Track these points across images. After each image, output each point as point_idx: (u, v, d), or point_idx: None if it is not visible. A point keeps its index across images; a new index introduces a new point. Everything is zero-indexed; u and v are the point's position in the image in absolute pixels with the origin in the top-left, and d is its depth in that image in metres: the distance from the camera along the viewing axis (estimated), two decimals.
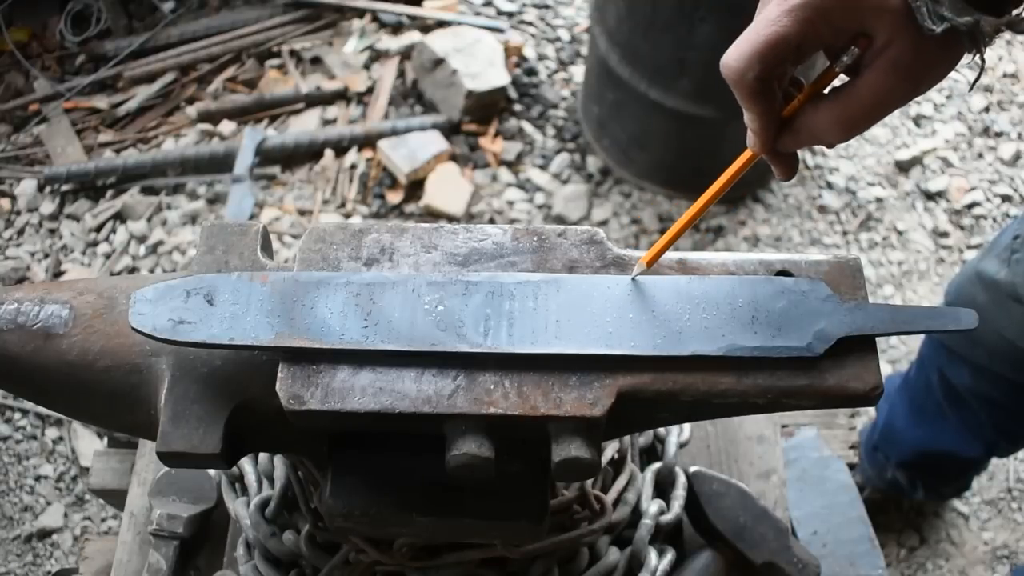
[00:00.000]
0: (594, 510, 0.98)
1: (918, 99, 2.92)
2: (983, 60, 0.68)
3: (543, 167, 2.70)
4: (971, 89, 0.84)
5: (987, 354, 1.59)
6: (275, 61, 2.95)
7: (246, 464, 1.10)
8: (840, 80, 0.72)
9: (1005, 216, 2.70)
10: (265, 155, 2.68)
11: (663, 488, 1.11)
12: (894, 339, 2.43)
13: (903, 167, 2.78)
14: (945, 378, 1.74)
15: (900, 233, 2.66)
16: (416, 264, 0.78)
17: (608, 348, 0.72)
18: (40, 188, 2.68)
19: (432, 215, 2.58)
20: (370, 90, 2.86)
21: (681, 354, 0.72)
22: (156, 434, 0.74)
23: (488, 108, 2.75)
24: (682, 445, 1.16)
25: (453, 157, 2.68)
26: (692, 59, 2.22)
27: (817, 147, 2.77)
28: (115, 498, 1.34)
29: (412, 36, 2.93)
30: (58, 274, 2.53)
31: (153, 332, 0.71)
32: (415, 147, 2.63)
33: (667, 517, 1.06)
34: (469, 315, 0.73)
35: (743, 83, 0.69)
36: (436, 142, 2.65)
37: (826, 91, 0.71)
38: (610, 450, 1.06)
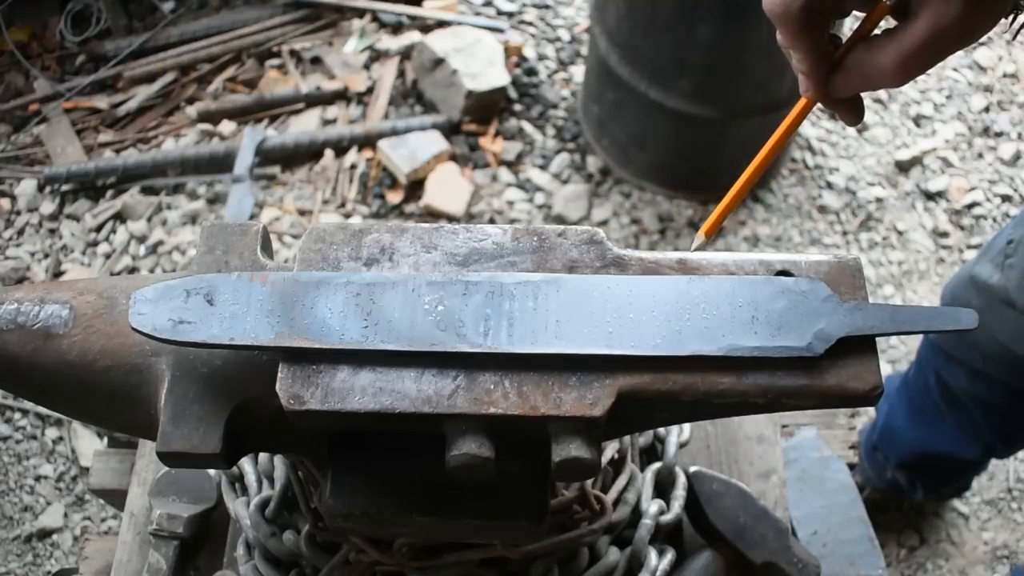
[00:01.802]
0: (594, 510, 0.98)
1: (918, 99, 2.92)
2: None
3: (543, 167, 2.70)
4: (1014, 38, 0.80)
5: (982, 358, 1.59)
6: (275, 61, 2.95)
7: (246, 464, 1.10)
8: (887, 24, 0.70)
9: (1005, 216, 2.70)
10: (265, 155, 2.68)
11: (663, 488, 1.11)
12: (894, 339, 2.43)
13: (903, 167, 2.78)
14: (942, 380, 1.74)
15: (900, 233, 2.66)
16: (416, 264, 0.78)
17: (608, 348, 0.72)
18: (40, 188, 2.68)
19: (432, 215, 2.58)
20: (370, 90, 2.86)
21: (681, 354, 0.72)
22: (156, 434, 0.74)
23: (488, 108, 2.75)
24: (682, 445, 1.16)
25: (453, 157, 2.68)
26: (692, 59, 2.22)
27: (817, 146, 2.78)
28: (115, 498, 1.34)
29: (412, 36, 2.93)
30: (58, 274, 2.53)
31: (153, 332, 0.71)
32: (415, 147, 2.63)
33: (667, 517, 1.06)
34: (469, 315, 0.73)
35: (788, 16, 0.66)
36: (436, 142, 2.65)
37: (877, 32, 0.69)
38: (610, 450, 1.06)
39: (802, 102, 0.73)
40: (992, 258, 1.50)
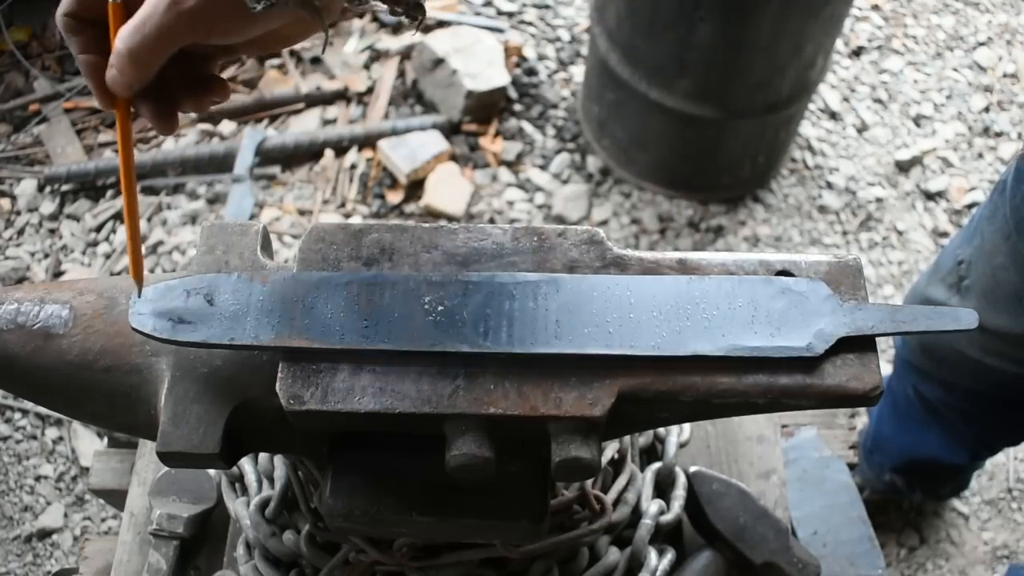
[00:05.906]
0: (594, 510, 0.98)
1: (918, 99, 2.92)
2: (324, 22, 0.64)
3: (543, 167, 2.70)
4: (323, 51, 0.76)
5: (952, 371, 1.59)
6: (275, 61, 2.95)
7: (246, 464, 1.10)
8: None
9: None
10: (265, 155, 2.68)
11: (663, 488, 1.11)
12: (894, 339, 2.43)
13: (903, 167, 2.78)
14: (920, 392, 1.74)
15: (900, 233, 2.66)
16: (416, 264, 0.78)
17: (608, 348, 0.72)
18: (40, 188, 2.68)
19: (432, 215, 2.58)
20: (370, 90, 2.86)
21: (681, 354, 0.72)
22: (156, 434, 0.74)
23: (488, 108, 2.75)
24: (682, 445, 1.16)
25: (453, 157, 2.68)
26: (692, 59, 2.22)
27: (817, 146, 2.78)
28: (115, 498, 1.34)
29: (412, 36, 2.93)
30: (58, 274, 2.53)
31: (153, 332, 0.71)
32: (415, 147, 2.63)
33: (667, 517, 1.06)
34: (469, 315, 0.73)
35: (59, 24, 0.65)
36: (436, 142, 2.65)
37: None
38: (610, 450, 1.06)
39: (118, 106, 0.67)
40: (943, 278, 1.49)
